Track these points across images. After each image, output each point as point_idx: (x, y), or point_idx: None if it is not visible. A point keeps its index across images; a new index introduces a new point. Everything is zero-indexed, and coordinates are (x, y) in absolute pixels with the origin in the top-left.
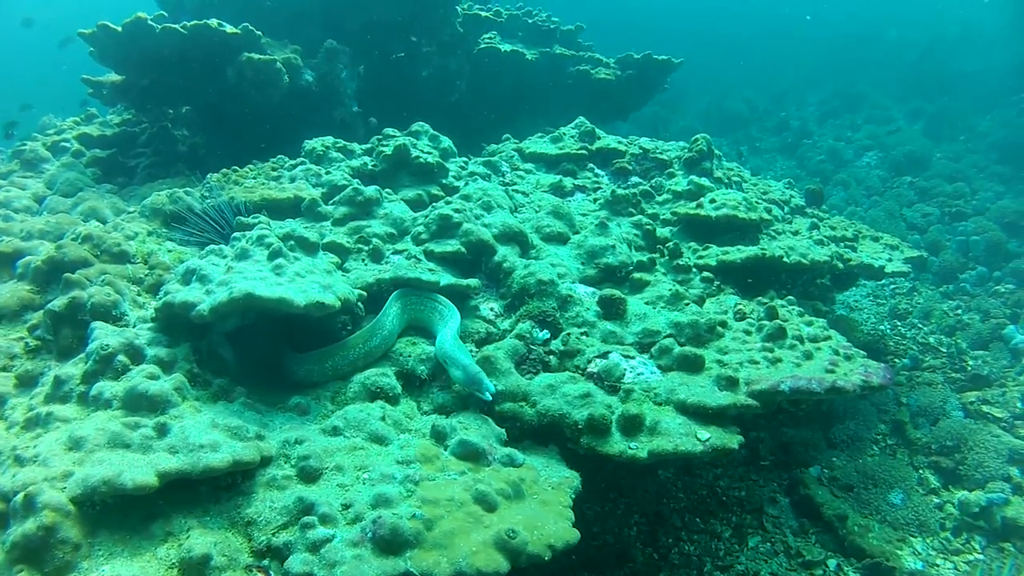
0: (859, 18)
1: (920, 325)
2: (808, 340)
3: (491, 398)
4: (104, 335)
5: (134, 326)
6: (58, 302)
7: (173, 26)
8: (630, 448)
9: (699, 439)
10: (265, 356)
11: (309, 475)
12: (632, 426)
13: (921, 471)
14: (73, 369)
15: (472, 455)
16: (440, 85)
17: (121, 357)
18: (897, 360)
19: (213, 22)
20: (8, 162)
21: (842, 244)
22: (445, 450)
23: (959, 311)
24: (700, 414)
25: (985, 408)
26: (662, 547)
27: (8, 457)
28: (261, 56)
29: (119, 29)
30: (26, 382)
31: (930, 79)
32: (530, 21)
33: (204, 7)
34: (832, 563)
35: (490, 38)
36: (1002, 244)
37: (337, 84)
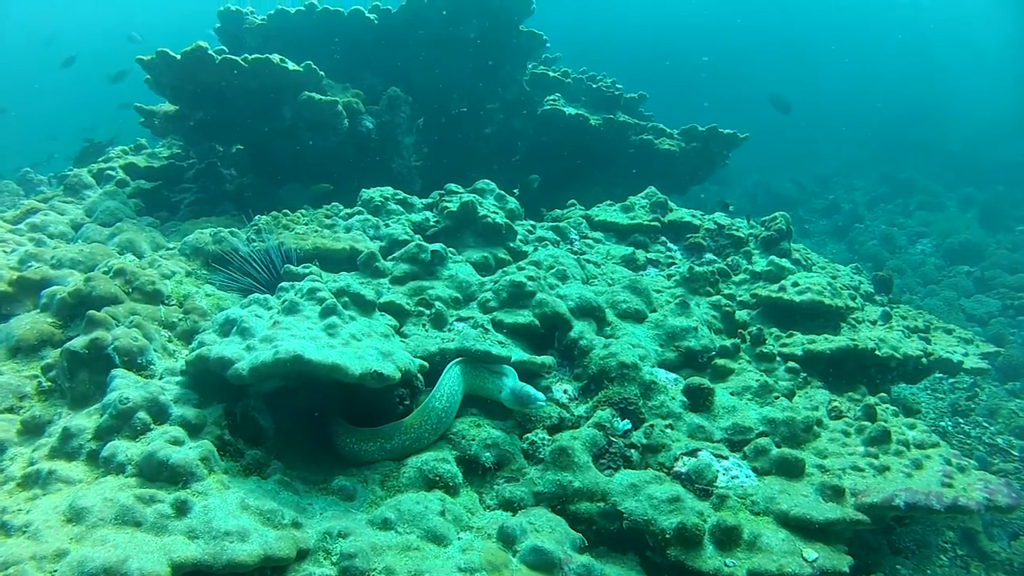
0: (902, 101)
1: (985, 424)
2: (914, 446)
3: (546, 403)
4: (124, 386)
5: (160, 377)
6: (77, 342)
7: (234, 58)
8: (726, 566)
9: (805, 559)
10: (304, 423)
11: None
12: (728, 539)
13: None
14: (86, 421)
15: (546, 565)
16: (503, 144)
17: (142, 414)
18: None
19: (275, 57)
20: (55, 188)
21: (916, 336)
22: (514, 556)
23: None
24: (804, 528)
25: None
26: None
27: None
28: (322, 97)
29: (178, 57)
30: (32, 429)
31: (980, 166)
32: (595, 86)
33: (266, 46)
34: None
35: (554, 100)
36: None
37: (397, 134)
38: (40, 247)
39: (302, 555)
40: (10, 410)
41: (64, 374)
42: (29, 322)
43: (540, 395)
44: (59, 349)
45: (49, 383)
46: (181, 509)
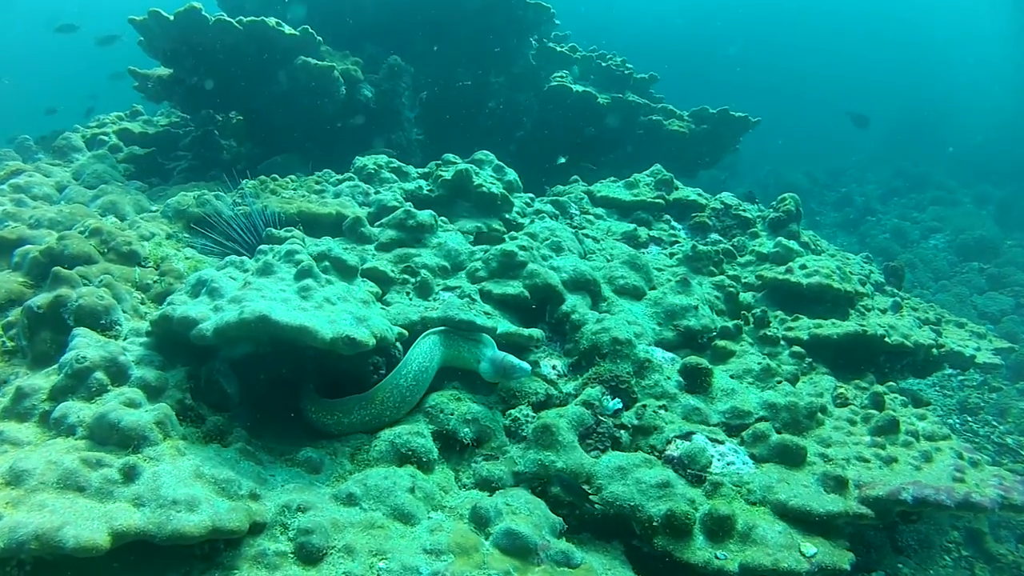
0: (921, 96)
1: (995, 423)
2: (924, 438)
3: (530, 374)
4: (84, 344)
5: (125, 338)
6: (39, 299)
7: (228, 20)
8: (717, 558)
9: (803, 554)
10: (278, 393)
11: (309, 555)
12: (720, 529)
13: None
14: (42, 381)
15: (520, 550)
16: (506, 119)
17: (99, 374)
18: None
19: (271, 20)
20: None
21: (927, 327)
22: (487, 540)
23: None
24: (803, 521)
25: None
26: None
27: None
28: (318, 62)
29: (171, 18)
30: None
31: (997, 165)
32: (604, 64)
33: (265, 13)
34: None
35: (561, 77)
36: None
37: (397, 105)
38: (20, 207)
39: (258, 529)
40: None
41: (24, 332)
42: None
43: (524, 365)
44: (21, 307)
45: (12, 343)
46: (129, 475)
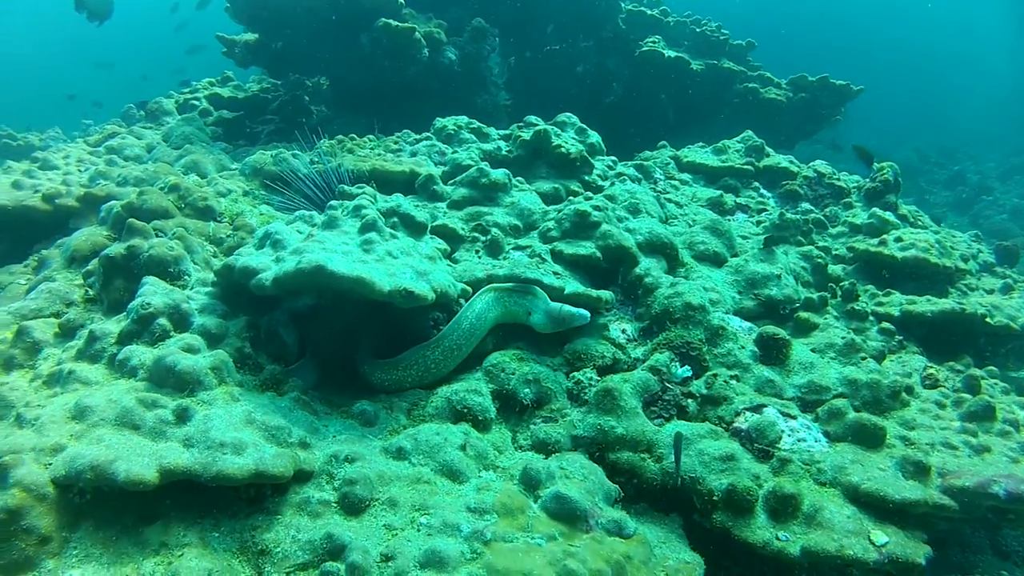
0: None
1: None
2: None
3: (589, 317)
4: (151, 292)
5: (192, 288)
6: (114, 248)
7: None
8: (778, 539)
9: (873, 543)
10: (340, 346)
11: (352, 505)
12: (784, 508)
13: None
14: (112, 326)
15: (569, 515)
16: (595, 84)
17: (162, 320)
18: None
19: None
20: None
21: None
22: (535, 503)
23: None
24: (875, 507)
25: None
26: None
27: (13, 414)
28: (399, 23)
29: None
30: (68, 332)
31: None
32: (698, 30)
33: None
34: None
35: (653, 42)
36: None
37: (482, 68)
38: (110, 166)
39: (305, 476)
40: (56, 315)
41: (99, 280)
42: (86, 234)
43: (583, 312)
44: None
45: (92, 291)
46: (182, 416)
